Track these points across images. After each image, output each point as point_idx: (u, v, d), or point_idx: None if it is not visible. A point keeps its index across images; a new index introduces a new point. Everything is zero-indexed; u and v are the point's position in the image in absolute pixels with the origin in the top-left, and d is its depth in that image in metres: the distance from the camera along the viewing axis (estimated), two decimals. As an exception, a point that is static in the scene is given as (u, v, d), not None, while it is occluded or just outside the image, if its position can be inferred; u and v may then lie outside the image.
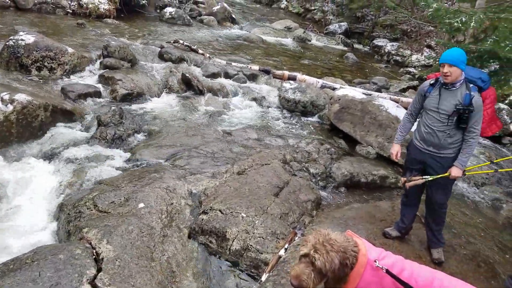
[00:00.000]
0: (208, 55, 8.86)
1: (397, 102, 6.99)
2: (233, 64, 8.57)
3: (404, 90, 9.32)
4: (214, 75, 7.80)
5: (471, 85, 3.04)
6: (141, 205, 3.47)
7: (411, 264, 1.95)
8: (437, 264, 3.36)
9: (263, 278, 2.89)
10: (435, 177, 3.16)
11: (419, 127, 3.27)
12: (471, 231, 4.07)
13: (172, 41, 9.22)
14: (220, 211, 3.48)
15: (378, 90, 8.66)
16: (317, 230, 1.88)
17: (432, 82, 3.15)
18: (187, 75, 6.99)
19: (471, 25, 4.86)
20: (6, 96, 4.51)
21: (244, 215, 3.42)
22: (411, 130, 3.54)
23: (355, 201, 4.49)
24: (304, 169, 4.82)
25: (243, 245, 3.19)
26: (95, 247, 2.94)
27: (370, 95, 7.36)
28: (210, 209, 3.52)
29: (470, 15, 4.93)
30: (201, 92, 6.89)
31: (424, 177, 3.20)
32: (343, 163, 5.08)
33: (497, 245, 3.94)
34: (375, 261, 1.83)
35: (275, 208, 3.65)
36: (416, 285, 1.78)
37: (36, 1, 9.81)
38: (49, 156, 4.41)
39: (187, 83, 6.98)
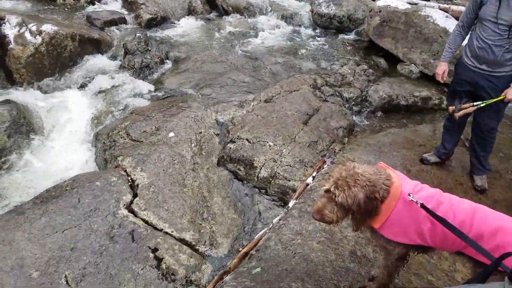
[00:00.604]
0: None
1: (446, 12, 6.20)
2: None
3: (456, -3, 8.23)
4: (241, -9, 7.24)
5: None
6: (171, 134, 3.47)
7: (450, 198, 1.78)
8: (480, 192, 3.15)
9: (290, 204, 2.88)
10: (488, 101, 2.76)
11: (471, 42, 2.82)
12: (519, 156, 3.76)
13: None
14: (247, 140, 3.41)
15: (426, -2, 7.70)
16: (343, 164, 1.74)
17: None
18: (212, -7, 6.55)
19: None
20: (33, 28, 4.46)
21: (272, 144, 3.34)
22: (462, 45, 3.06)
23: (393, 126, 4.23)
24: (337, 93, 4.54)
25: (270, 172, 3.16)
26: (130, 175, 3.04)
27: (416, 4, 6.57)
28: (237, 138, 3.46)
29: None
30: (226, 12, 6.48)
31: (475, 103, 2.80)
32: (382, 85, 4.73)
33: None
34: (409, 195, 1.69)
35: (304, 136, 3.52)
36: (454, 220, 1.64)
37: None
38: (82, 86, 4.47)
39: (211, 3, 6.58)
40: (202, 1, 6.55)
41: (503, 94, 2.75)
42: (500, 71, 2.73)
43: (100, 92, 4.28)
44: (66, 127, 3.92)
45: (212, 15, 6.45)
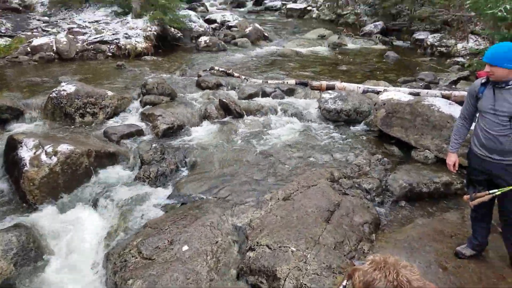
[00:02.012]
0: (243, 76, 8.79)
1: (448, 98, 6.39)
2: (270, 81, 8.40)
3: (455, 82, 8.58)
4: (251, 96, 7.66)
5: None
6: (185, 247, 3.32)
7: None
8: None
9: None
10: (504, 190, 2.69)
11: (477, 132, 2.89)
12: None
13: (208, 69, 9.29)
14: (267, 246, 3.23)
15: (427, 86, 8.03)
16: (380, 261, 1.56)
17: (483, 81, 2.80)
18: (224, 100, 6.92)
19: (517, 11, 4.33)
20: (49, 149, 4.66)
21: (294, 249, 3.14)
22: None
23: (419, 215, 4.02)
24: (356, 185, 4.44)
25: (296, 284, 2.90)
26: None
27: (417, 94, 6.82)
28: (257, 245, 3.28)
29: (512, 2, 4.40)
30: (239, 115, 6.77)
31: (490, 192, 2.75)
32: (399, 173, 4.64)
33: None
34: None
35: (328, 236, 3.33)
36: None
37: (78, 50, 10.39)
38: (96, 202, 4.43)
39: (225, 108, 6.90)
40: (217, 107, 6.89)
41: None
42: (511, 158, 2.74)
43: (114, 207, 4.25)
44: (78, 248, 3.80)
45: (227, 119, 6.74)
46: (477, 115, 2.92)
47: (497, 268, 3.07)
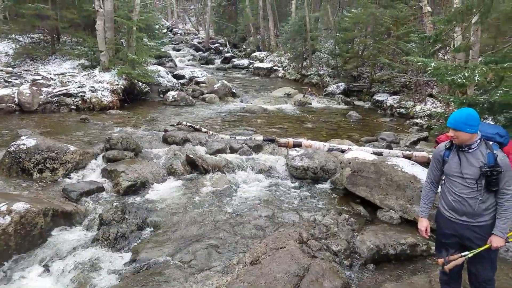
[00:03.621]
0: (211, 132, 8.83)
1: (410, 159, 6.66)
2: (237, 137, 8.49)
3: (415, 143, 9.02)
4: (218, 151, 7.66)
5: (490, 142, 2.78)
6: (145, 319, 3.04)
7: None
8: None
9: None
10: (475, 251, 2.73)
11: (445, 195, 2.94)
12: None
13: (175, 124, 9.32)
14: (234, 318, 3.03)
15: (388, 146, 8.38)
16: None
17: (447, 145, 2.89)
18: (191, 155, 6.85)
19: (475, 79, 4.73)
20: (3, 208, 4.30)
21: (263, 320, 2.96)
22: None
23: (387, 279, 3.97)
24: (325, 247, 4.37)
25: None
26: None
27: (380, 153, 7.07)
28: (223, 316, 3.07)
29: (472, 69, 4.82)
30: (206, 171, 6.67)
31: (462, 254, 2.78)
32: (367, 234, 4.63)
33: None
34: None
35: (298, 305, 3.19)
36: None
37: (41, 102, 10.13)
38: (49, 267, 4.06)
39: (192, 164, 6.81)
40: (183, 163, 6.78)
41: (488, 242, 2.74)
42: (480, 220, 2.79)
43: (69, 271, 3.90)
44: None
45: (193, 175, 6.62)
46: (443, 178, 2.96)
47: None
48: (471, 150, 2.76)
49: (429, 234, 3.07)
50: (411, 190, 5.17)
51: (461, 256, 2.77)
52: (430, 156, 7.17)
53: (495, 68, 4.93)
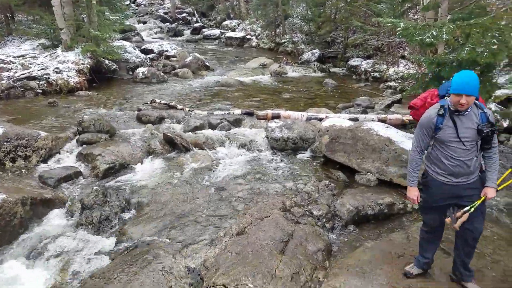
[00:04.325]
0: (187, 109, 8.73)
1: (384, 122, 6.83)
2: (215, 112, 8.44)
3: (389, 106, 9.21)
4: (197, 128, 7.61)
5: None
6: (137, 296, 3.12)
7: None
8: None
9: None
10: (475, 205, 2.84)
11: (439, 162, 2.89)
12: (494, 248, 3.75)
13: (149, 102, 9.12)
14: (224, 286, 3.13)
15: (364, 111, 8.53)
16: None
17: (441, 112, 2.79)
18: (168, 134, 6.78)
19: (443, 37, 4.80)
20: (-21, 200, 4.22)
21: (252, 286, 3.08)
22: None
23: (367, 238, 4.16)
24: (307, 213, 4.51)
25: (256, 323, 2.83)
26: None
27: (357, 119, 7.21)
28: (213, 285, 3.17)
29: (440, 28, 4.88)
30: (186, 149, 6.65)
31: (465, 210, 2.84)
32: (346, 198, 4.80)
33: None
34: None
35: (284, 269, 3.32)
36: None
37: (3, 88, 9.61)
38: (34, 256, 4.03)
39: (170, 143, 6.75)
40: (161, 142, 6.71)
41: (482, 195, 2.87)
42: (473, 177, 2.88)
43: (55, 257, 3.90)
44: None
45: (173, 153, 6.57)
46: (435, 145, 2.91)
47: (442, 284, 3.23)
48: (466, 112, 2.74)
49: (419, 201, 3.07)
50: (386, 152, 5.34)
51: (464, 212, 2.82)
52: (404, 118, 7.40)
53: (462, 25, 5.00)
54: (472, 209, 2.83)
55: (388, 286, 3.18)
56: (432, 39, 4.94)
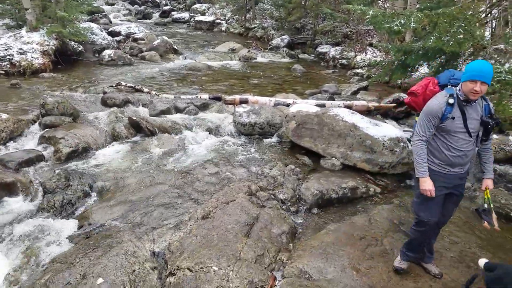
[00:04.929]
0: (154, 92, 8.55)
1: (351, 108, 7.00)
2: (182, 96, 8.32)
3: (355, 93, 9.42)
4: (163, 112, 7.49)
5: None
6: (100, 280, 3.10)
7: None
8: (440, 278, 3.18)
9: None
10: (488, 198, 2.87)
11: (438, 152, 2.83)
12: (451, 230, 3.98)
13: (114, 85, 8.89)
14: (188, 269, 3.16)
15: (331, 97, 8.68)
16: None
17: (451, 101, 2.68)
18: (134, 118, 6.64)
19: (411, 26, 4.92)
20: None
21: (216, 268, 3.12)
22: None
23: (330, 221, 4.29)
24: (272, 197, 4.59)
25: (220, 304, 2.88)
26: None
27: (323, 105, 7.34)
28: (177, 269, 3.19)
29: (408, 16, 5.00)
30: (152, 133, 6.54)
31: (485, 208, 2.86)
32: (311, 182, 4.91)
33: (480, 238, 3.87)
34: None
35: (249, 251, 3.38)
36: None
37: (-37, 69, 9.16)
38: (-7, 240, 3.92)
39: (136, 126, 6.62)
40: (126, 126, 6.56)
41: (484, 187, 2.92)
42: (467, 167, 2.90)
43: (16, 242, 3.79)
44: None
45: (138, 137, 6.45)
46: (438, 135, 2.84)
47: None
48: (474, 103, 2.69)
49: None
50: (351, 138, 5.48)
51: (490, 211, 2.82)
52: (370, 104, 7.60)
53: (430, 14, 5.13)
54: (492, 205, 2.84)
55: (350, 267, 3.31)
56: (400, 27, 5.06)
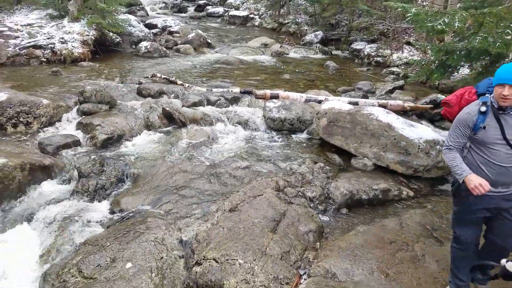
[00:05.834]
0: (187, 84, 8.66)
1: (385, 107, 6.81)
2: (214, 90, 8.37)
3: (390, 92, 9.16)
4: (195, 104, 7.57)
5: None
6: (129, 265, 3.18)
7: None
8: None
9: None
10: None
11: (476, 167, 2.55)
12: None
13: (149, 76, 9.07)
14: (214, 260, 3.19)
15: (364, 96, 8.49)
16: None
17: (483, 109, 2.46)
18: (167, 108, 6.75)
19: (455, 25, 4.73)
20: (-22, 163, 4.23)
21: (242, 262, 3.13)
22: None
23: (360, 222, 4.20)
24: (300, 194, 4.55)
25: (244, 297, 2.89)
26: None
27: (356, 103, 7.18)
28: (203, 259, 3.23)
29: (452, 15, 4.80)
30: (183, 124, 6.64)
31: None
32: (341, 181, 4.82)
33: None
34: None
35: (275, 247, 3.37)
36: None
37: (9, 55, 9.66)
38: (30, 219, 4.11)
39: (169, 117, 6.74)
40: (160, 116, 6.70)
41: None
42: None
43: (50, 224, 3.96)
44: (11, 269, 3.47)
45: (170, 128, 6.58)
46: (473, 147, 2.59)
47: (433, 272, 3.27)
48: (511, 110, 2.44)
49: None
50: (385, 138, 5.34)
51: None
52: (405, 104, 7.37)
53: (475, 14, 4.92)
54: None
55: (378, 270, 3.23)
56: (444, 26, 4.87)
